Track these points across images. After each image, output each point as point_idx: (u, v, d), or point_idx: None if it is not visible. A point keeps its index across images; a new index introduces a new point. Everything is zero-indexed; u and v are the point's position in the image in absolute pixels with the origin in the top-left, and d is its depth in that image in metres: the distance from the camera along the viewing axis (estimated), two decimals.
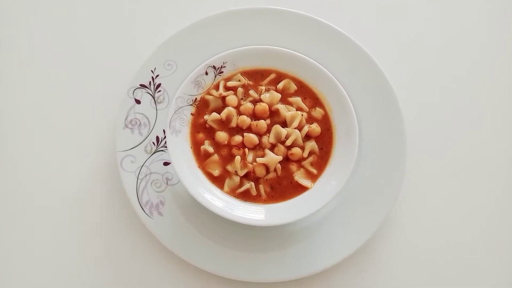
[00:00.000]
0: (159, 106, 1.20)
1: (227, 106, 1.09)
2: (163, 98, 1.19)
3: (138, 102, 1.18)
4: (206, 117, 1.09)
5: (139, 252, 1.16)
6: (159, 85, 1.20)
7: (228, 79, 1.11)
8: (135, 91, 1.18)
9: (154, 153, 1.17)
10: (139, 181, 1.14)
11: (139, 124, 1.17)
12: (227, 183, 1.07)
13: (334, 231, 1.13)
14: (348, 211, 1.13)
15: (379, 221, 1.10)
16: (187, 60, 1.19)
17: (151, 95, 1.19)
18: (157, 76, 1.19)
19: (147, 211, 1.13)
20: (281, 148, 1.07)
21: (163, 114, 1.17)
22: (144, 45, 1.28)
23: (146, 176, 1.15)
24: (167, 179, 1.16)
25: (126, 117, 1.17)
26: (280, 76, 1.11)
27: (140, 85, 1.18)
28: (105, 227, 1.18)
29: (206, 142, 1.09)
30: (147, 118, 1.19)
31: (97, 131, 1.24)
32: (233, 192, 1.07)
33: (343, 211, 1.14)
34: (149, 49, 1.20)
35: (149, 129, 1.18)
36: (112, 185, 1.21)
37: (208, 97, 1.11)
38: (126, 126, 1.16)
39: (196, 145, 1.10)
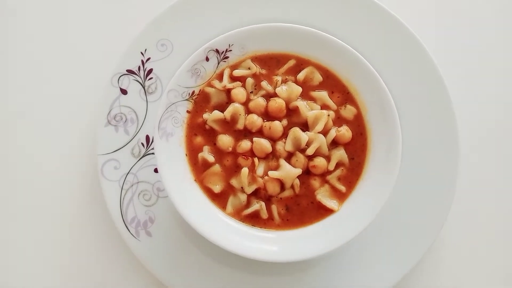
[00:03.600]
0: (150, 98, 1.08)
1: (233, 102, 0.98)
2: (155, 88, 1.08)
3: (124, 92, 1.07)
4: (205, 115, 0.98)
5: (121, 281, 1.08)
6: (150, 71, 1.08)
7: (234, 67, 1.00)
8: (121, 78, 1.07)
9: (143, 156, 1.06)
10: (123, 192, 1.05)
11: (125, 120, 1.06)
12: (231, 202, 0.97)
13: (366, 261, 1.03)
14: (383, 237, 1.04)
15: (422, 251, 1.01)
16: (185, 39, 1.07)
17: (141, 84, 1.08)
18: (148, 59, 1.08)
19: (132, 230, 1.03)
20: (300, 158, 0.95)
21: (155, 107, 1.06)
22: (133, 21, 1.15)
23: (132, 186, 1.05)
24: (158, 189, 1.05)
25: (109, 112, 1.06)
26: (301, 63, 1.00)
27: (127, 71, 1.07)
28: (82, 249, 1.11)
29: (206, 148, 0.98)
30: (135, 113, 1.08)
31: (76, 129, 1.15)
32: (238, 214, 0.97)
33: (376, 236, 1.04)
34: (139, 25, 1.08)
35: (137, 126, 1.07)
36: (91, 197, 1.13)
37: (209, 89, 0.99)
38: (109, 122, 1.05)
39: (192, 152, 0.99)
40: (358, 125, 0.99)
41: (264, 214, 0.96)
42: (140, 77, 1.08)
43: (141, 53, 1.08)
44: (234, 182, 0.97)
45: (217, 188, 0.98)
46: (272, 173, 0.94)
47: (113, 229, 1.07)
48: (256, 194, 0.97)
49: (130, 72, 1.08)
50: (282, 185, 0.96)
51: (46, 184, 1.14)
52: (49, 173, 1.14)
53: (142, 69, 1.08)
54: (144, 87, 1.08)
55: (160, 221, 1.04)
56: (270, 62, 1.01)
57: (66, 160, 1.15)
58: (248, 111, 0.99)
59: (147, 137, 1.07)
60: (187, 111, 0.99)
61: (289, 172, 0.94)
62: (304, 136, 0.95)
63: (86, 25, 1.22)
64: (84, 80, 1.18)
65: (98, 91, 1.12)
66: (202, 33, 1.06)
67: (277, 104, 0.97)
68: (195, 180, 0.98)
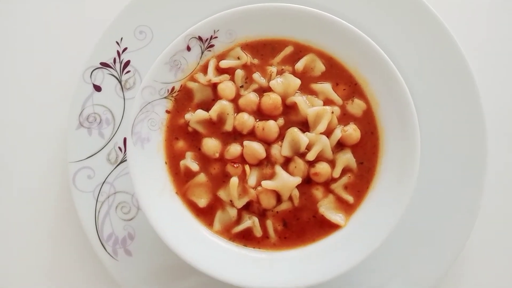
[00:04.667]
0: (128, 94, 1.05)
1: (220, 98, 0.96)
2: (134, 83, 1.06)
3: (98, 89, 1.05)
4: (188, 116, 0.96)
5: None
6: (127, 63, 1.06)
7: (221, 57, 0.97)
8: (94, 73, 1.04)
9: (120, 163, 1.04)
10: (99, 204, 1.02)
11: (100, 121, 1.04)
12: (219, 218, 0.95)
13: (378, 279, 1.01)
14: (399, 251, 1.02)
15: (441, 271, 0.99)
16: (167, 26, 1.05)
17: (117, 79, 1.05)
18: (125, 50, 1.05)
19: (109, 249, 1.01)
20: (299, 164, 0.93)
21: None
22: (107, 5, 1.15)
23: (109, 197, 1.03)
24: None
25: (81, 112, 1.03)
26: (299, 51, 0.97)
27: (101, 64, 1.05)
28: (54, 271, 1.09)
29: (188, 154, 0.96)
30: (111, 112, 1.05)
31: (44, 133, 1.13)
32: (227, 233, 0.95)
33: (390, 250, 1.01)
34: (113, 10, 1.06)
35: (113, 128, 1.05)
36: (63, 211, 1.10)
37: (191, 85, 0.97)
38: (81, 124, 1.03)
39: (173, 160, 0.96)
40: (368, 123, 0.96)
41: (258, 232, 0.94)
42: (116, 71, 1.06)
43: (117, 42, 1.05)
44: (222, 194, 0.95)
45: (202, 201, 0.95)
46: (266, 183, 0.92)
47: (88, 249, 1.06)
48: (248, 208, 0.95)
49: (104, 65, 1.05)
50: (278, 197, 0.94)
51: (12, 196, 1.12)
52: (16, 188, 1.12)
53: (118, 61, 1.05)
54: (120, 82, 1.06)
55: (141, 237, 1.02)
56: (263, 50, 0.98)
57: (33, 169, 1.13)
58: (238, 109, 0.96)
59: (125, 140, 1.05)
60: (166, 111, 0.96)
61: (286, 181, 0.92)
62: (303, 138, 0.92)
63: (53, 12, 1.19)
64: (52, 76, 1.16)
65: (69, 88, 1.09)
66: (187, 18, 1.03)
67: (271, 100, 0.94)
68: (176, 192, 0.96)
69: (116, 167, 1.03)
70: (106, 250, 1.00)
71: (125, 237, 1.01)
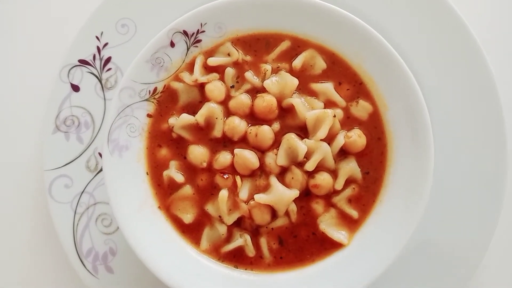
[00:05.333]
0: (109, 94, 1.03)
1: (208, 100, 0.94)
2: (115, 82, 1.04)
3: (75, 88, 1.03)
4: (172, 120, 0.94)
5: None
6: (108, 60, 1.03)
7: (209, 54, 0.96)
8: (72, 71, 1.02)
9: (101, 170, 1.02)
10: (77, 216, 1.00)
11: (78, 125, 1.02)
12: (207, 235, 0.93)
13: None
14: (409, 272, 0.98)
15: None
16: (152, 19, 1.03)
17: (97, 77, 1.03)
18: (106, 45, 1.03)
19: (89, 265, 0.98)
20: (297, 175, 0.90)
21: None
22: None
23: (88, 208, 1.01)
24: None
25: (58, 114, 1.01)
26: (297, 46, 0.95)
27: (79, 61, 1.02)
28: None
29: (173, 164, 0.94)
30: (90, 115, 1.03)
31: (21, 138, 1.10)
32: (216, 252, 0.92)
33: (401, 264, 0.96)
34: (93, 2, 1.04)
35: (93, 132, 1.03)
36: (38, 224, 1.08)
37: (175, 85, 0.95)
38: (57, 128, 1.01)
39: (155, 170, 0.94)
40: (374, 127, 0.93)
41: (251, 251, 0.91)
42: (96, 69, 1.04)
43: (97, 37, 1.03)
44: (210, 208, 0.93)
45: (188, 217, 0.93)
46: (260, 197, 0.89)
47: (66, 264, 1.04)
48: (239, 224, 0.93)
49: (82, 62, 1.03)
50: (273, 212, 0.92)
51: None
52: None
53: (98, 58, 1.04)
54: (101, 81, 1.04)
55: (123, 253, 1.00)
56: (257, 45, 0.96)
57: (7, 177, 1.10)
58: (228, 113, 0.95)
59: None
60: (148, 115, 0.94)
61: (282, 194, 0.89)
62: (301, 146, 0.89)
63: (28, 3, 1.16)
64: (26, 75, 1.13)
65: (44, 88, 1.09)
66: (173, 10, 1.01)
67: (265, 102, 0.92)
68: (159, 207, 0.94)
69: (96, 175, 1.01)
70: (85, 267, 0.99)
71: (106, 253, 1.00)
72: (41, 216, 1.08)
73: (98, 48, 1.02)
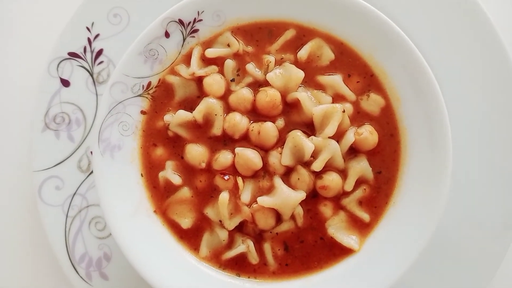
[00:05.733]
0: (101, 89, 1.02)
1: (206, 95, 0.92)
2: (108, 75, 1.02)
3: (66, 83, 1.01)
4: (168, 117, 0.92)
5: None
6: (100, 52, 1.01)
7: (207, 44, 0.93)
8: (61, 65, 1.00)
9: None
10: (69, 220, 0.98)
11: (69, 122, 1.00)
12: (207, 241, 0.90)
13: None
14: (426, 276, 0.94)
15: None
16: (146, 8, 1.01)
17: (88, 71, 1.01)
18: (97, 36, 1.01)
19: (82, 272, 0.96)
20: (303, 175, 0.88)
21: None
22: None
23: (80, 211, 0.99)
24: None
25: (47, 111, 1.00)
26: (303, 35, 0.93)
27: (69, 54, 1.00)
28: None
29: (169, 164, 0.92)
30: (81, 111, 1.00)
31: (9, 136, 1.09)
32: (216, 259, 0.89)
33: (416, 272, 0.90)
34: None
35: (84, 129, 1.00)
36: (28, 229, 1.06)
37: (171, 79, 0.93)
38: (47, 126, 0.99)
39: (151, 171, 0.92)
40: (387, 123, 0.91)
41: (254, 258, 0.89)
42: (87, 62, 1.01)
43: (87, 28, 1.01)
44: (210, 212, 0.90)
45: (186, 222, 0.90)
46: (263, 200, 0.86)
47: (58, 270, 1.01)
48: (241, 229, 0.91)
49: (73, 55, 1.01)
50: (278, 216, 0.90)
51: None
52: None
53: (89, 50, 1.01)
54: (92, 75, 1.01)
55: (118, 258, 0.97)
56: (259, 35, 0.93)
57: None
58: (228, 109, 0.92)
59: None
60: (142, 112, 0.92)
61: (287, 196, 0.86)
62: (308, 144, 0.86)
63: None
64: (13, 69, 1.11)
65: (32, 84, 1.06)
66: None
67: (269, 97, 0.89)
68: (154, 211, 0.91)
69: (88, 175, 0.99)
70: (78, 274, 0.96)
71: (101, 258, 0.97)
72: (30, 219, 1.06)
73: (89, 39, 1.00)
